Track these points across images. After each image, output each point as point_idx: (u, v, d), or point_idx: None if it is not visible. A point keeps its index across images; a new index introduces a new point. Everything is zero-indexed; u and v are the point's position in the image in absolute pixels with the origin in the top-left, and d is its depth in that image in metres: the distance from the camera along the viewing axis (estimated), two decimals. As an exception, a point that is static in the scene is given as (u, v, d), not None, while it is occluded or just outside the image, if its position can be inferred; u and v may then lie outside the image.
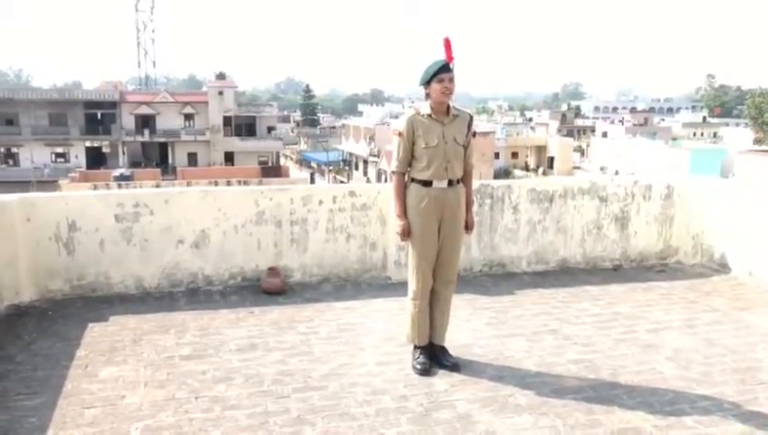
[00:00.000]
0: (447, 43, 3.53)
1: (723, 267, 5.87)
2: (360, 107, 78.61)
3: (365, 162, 53.48)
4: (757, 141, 46.78)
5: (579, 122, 75.41)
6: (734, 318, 4.63)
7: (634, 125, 63.21)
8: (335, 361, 3.78)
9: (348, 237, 5.44)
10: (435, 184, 3.53)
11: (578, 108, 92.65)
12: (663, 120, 74.18)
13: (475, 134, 3.69)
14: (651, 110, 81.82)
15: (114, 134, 45.83)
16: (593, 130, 64.92)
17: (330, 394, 3.36)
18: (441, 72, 3.45)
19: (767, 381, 3.57)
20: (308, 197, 5.36)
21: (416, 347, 3.71)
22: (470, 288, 5.20)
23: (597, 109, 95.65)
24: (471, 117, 3.67)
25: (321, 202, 5.36)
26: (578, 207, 5.99)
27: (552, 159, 51.05)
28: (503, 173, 46.87)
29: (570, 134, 62.71)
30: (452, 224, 3.63)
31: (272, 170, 39.18)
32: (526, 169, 52.29)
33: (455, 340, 4.08)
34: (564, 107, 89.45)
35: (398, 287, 5.24)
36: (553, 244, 5.91)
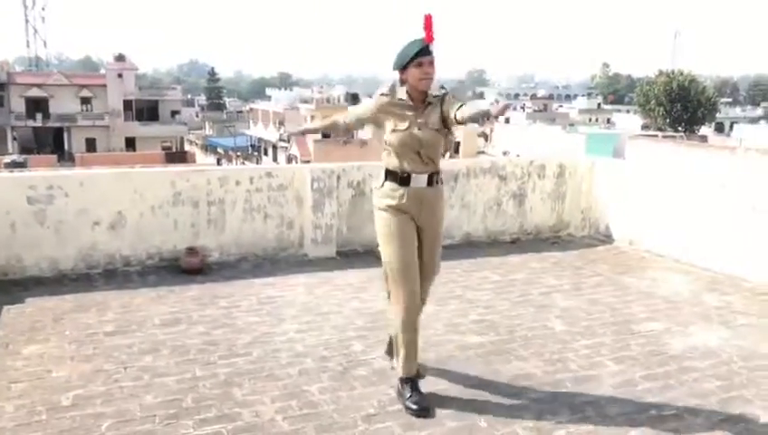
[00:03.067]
0: (428, 22, 3.01)
1: (607, 238, 6.54)
2: (268, 91, 77.37)
3: (274, 148, 52.89)
4: (645, 127, 50.28)
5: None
6: (614, 281, 5.24)
7: (534, 111, 66.02)
8: (258, 330, 4.01)
9: (265, 217, 5.63)
10: (413, 180, 3.05)
11: (482, 94, 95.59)
12: (561, 106, 77.93)
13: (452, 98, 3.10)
14: (550, 96, 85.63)
15: (1, 118, 42.80)
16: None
17: (254, 359, 3.59)
18: (420, 55, 2.97)
19: (638, 332, 4.13)
20: (225, 178, 5.49)
21: (404, 381, 3.13)
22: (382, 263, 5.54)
23: (500, 95, 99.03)
24: (446, 93, 3.13)
25: (237, 183, 5.51)
26: (480, 186, 6.46)
27: (458, 144, 52.54)
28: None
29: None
30: (431, 226, 3.17)
31: (176, 156, 37.98)
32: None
33: (371, 308, 4.42)
34: (470, 93, 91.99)
35: (316, 263, 5.52)
36: (458, 219, 6.36)
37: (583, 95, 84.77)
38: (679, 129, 46.16)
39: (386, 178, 3.11)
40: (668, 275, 5.42)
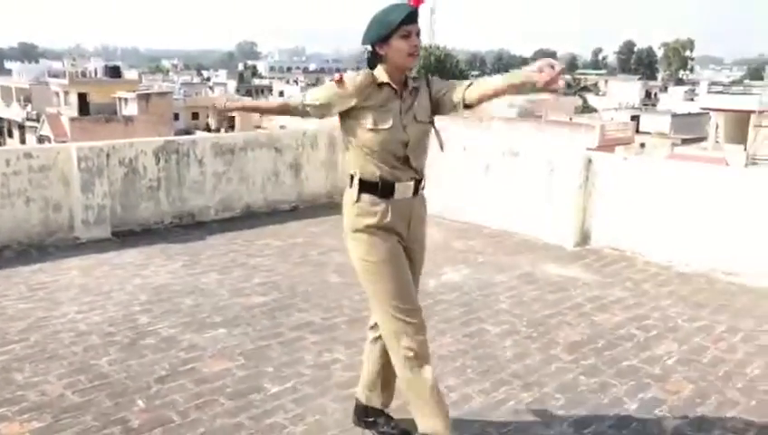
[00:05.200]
0: None
1: (375, 200, 7.24)
2: (8, 64, 67.81)
3: (21, 127, 46.80)
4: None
5: (256, 82, 77.09)
6: (381, 237, 5.90)
7: (307, 84, 67.23)
8: (33, 316, 3.86)
9: (27, 201, 5.26)
10: (397, 191, 2.41)
11: (254, 67, 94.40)
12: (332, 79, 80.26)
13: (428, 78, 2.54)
14: (322, 70, 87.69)
15: None
16: (270, 90, 67.14)
17: (33, 343, 3.49)
18: (407, 23, 2.31)
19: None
20: (-27, 161, 5.02)
21: (372, 411, 2.73)
22: (162, 239, 5.56)
23: (272, 69, 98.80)
24: (428, 77, 2.54)
25: (-10, 166, 5.07)
26: (257, 158, 6.70)
27: (232, 118, 51.55)
28: (184, 135, 45.79)
29: (248, 94, 63.82)
30: (418, 242, 2.58)
31: None
32: (208, 129, 51.86)
33: (154, 282, 4.48)
34: (241, 66, 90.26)
35: (90, 245, 5.34)
36: (238, 192, 6.54)
37: (353, 69, 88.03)
38: (438, 99, 50.56)
39: (360, 190, 2.41)
40: (428, 228, 6.23)
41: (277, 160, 6.86)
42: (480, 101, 2.41)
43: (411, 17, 2.33)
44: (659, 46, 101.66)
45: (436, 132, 2.52)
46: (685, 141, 30.72)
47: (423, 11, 2.42)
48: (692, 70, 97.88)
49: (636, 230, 5.33)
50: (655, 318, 4.07)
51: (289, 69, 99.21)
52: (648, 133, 32.97)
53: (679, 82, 77.05)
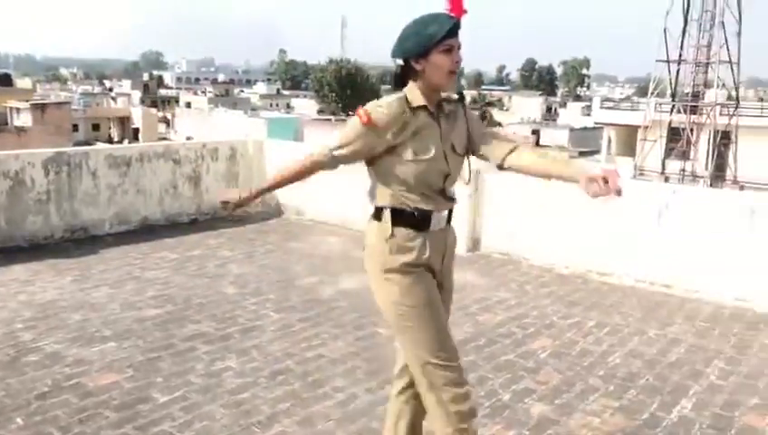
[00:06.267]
0: None
1: (278, 212, 7.29)
2: None
3: None
4: (320, 111, 54.32)
5: (162, 93, 74.77)
6: (282, 247, 5.97)
7: (216, 96, 66.01)
8: None
9: None
10: (433, 221, 2.17)
11: (160, 78, 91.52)
12: (243, 91, 79.21)
13: (485, 114, 2.54)
14: (231, 81, 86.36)
15: None
16: (177, 101, 65.37)
17: None
18: (449, 37, 2.06)
19: (298, 286, 4.88)
20: None
21: None
22: (52, 254, 5.38)
23: (180, 79, 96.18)
24: (462, 97, 2.26)
25: None
26: (154, 170, 6.60)
27: (136, 130, 49.78)
28: (84, 146, 43.69)
29: (154, 105, 61.82)
30: (449, 283, 2.35)
31: None
32: (110, 141, 49.78)
33: (41, 299, 4.34)
34: (146, 76, 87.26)
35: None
36: (134, 205, 6.41)
37: (263, 81, 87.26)
38: (350, 112, 51.02)
39: (394, 224, 2.15)
40: (327, 238, 6.36)
41: (176, 172, 6.78)
42: (516, 171, 2.23)
43: (454, 30, 2.07)
44: (559, 64, 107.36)
45: (469, 164, 2.27)
46: (582, 154, 32.65)
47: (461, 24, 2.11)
48: (589, 87, 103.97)
49: (521, 236, 5.69)
50: (533, 316, 4.38)
51: (197, 80, 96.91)
52: (549, 146, 34.74)
53: (577, 98, 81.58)
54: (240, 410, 3.04)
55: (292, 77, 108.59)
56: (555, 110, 65.11)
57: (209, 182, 7.07)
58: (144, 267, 5.16)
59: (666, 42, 25.63)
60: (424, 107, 2.12)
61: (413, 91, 2.12)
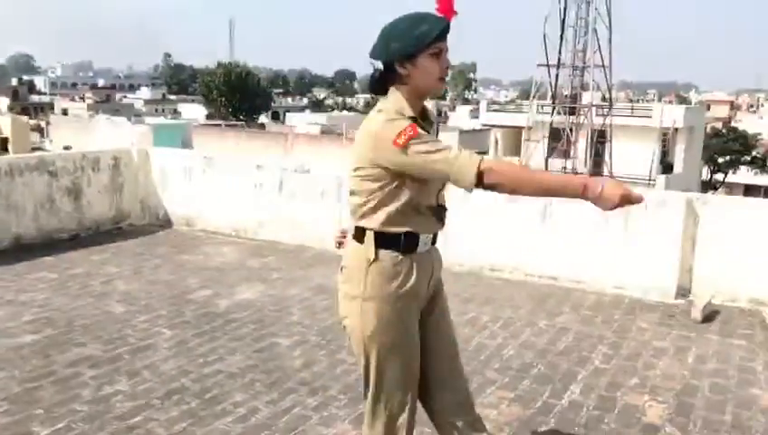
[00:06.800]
0: None
1: (167, 223, 6.99)
2: None
3: None
4: (209, 116, 52.72)
5: (35, 99, 69.62)
6: (172, 260, 5.72)
7: (96, 102, 62.41)
8: None
9: None
10: (421, 243, 2.01)
11: (31, 83, 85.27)
12: (126, 96, 75.44)
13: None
14: (113, 87, 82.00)
15: None
16: (52, 108, 61.11)
17: None
18: (440, 39, 1.92)
19: (191, 300, 4.69)
20: None
21: None
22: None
23: (54, 84, 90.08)
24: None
25: None
26: (27, 184, 6.12)
27: (5, 139, 46.02)
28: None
29: (25, 112, 57.37)
30: (442, 300, 2.21)
31: None
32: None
33: None
34: (15, 82, 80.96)
35: None
36: (5, 222, 5.91)
37: (147, 85, 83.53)
38: (241, 117, 49.96)
39: (378, 246, 1.98)
40: (220, 248, 6.18)
41: (52, 185, 6.33)
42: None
43: (445, 32, 1.92)
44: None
45: None
46: (471, 154, 33.72)
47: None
48: (476, 90, 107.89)
49: (417, 237, 5.79)
50: (432, 316, 4.47)
51: (74, 85, 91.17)
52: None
53: (465, 101, 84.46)
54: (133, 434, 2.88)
55: (179, 81, 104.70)
56: (445, 113, 67.16)
57: (91, 195, 6.66)
58: (19, 290, 4.77)
59: (545, 47, 27.15)
60: (414, 118, 1.93)
61: (399, 100, 1.94)
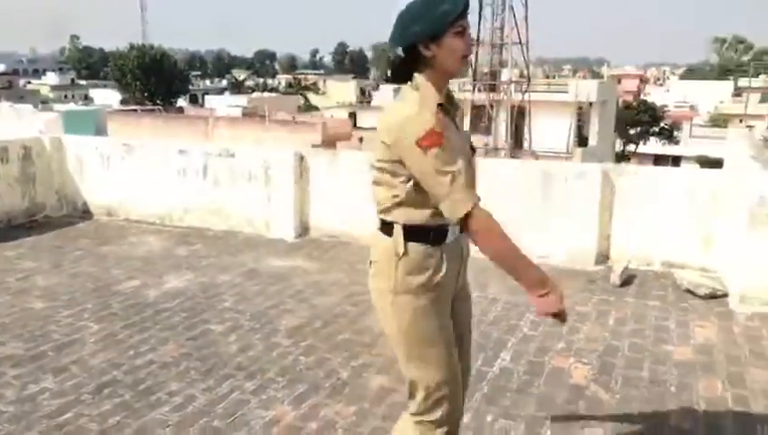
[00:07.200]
0: None
1: (86, 214, 6.70)
2: None
3: None
4: (124, 101, 50.47)
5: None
6: (95, 252, 5.50)
7: (-3, 89, 58.46)
8: None
9: None
10: (450, 234, 1.95)
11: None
12: (30, 82, 71.06)
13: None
14: (15, 72, 76.97)
15: None
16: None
17: None
18: (462, 17, 1.85)
19: (118, 291, 4.54)
20: None
21: None
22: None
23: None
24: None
25: None
26: (-73, 178, 5.71)
27: None
28: None
29: None
30: (466, 287, 2.19)
31: None
32: None
33: None
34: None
35: None
36: None
37: (54, 70, 78.90)
38: (158, 101, 48.06)
39: (407, 239, 1.92)
40: (145, 237, 5.99)
41: (-45, 179, 5.93)
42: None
43: (466, 8, 1.86)
44: (369, 48, 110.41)
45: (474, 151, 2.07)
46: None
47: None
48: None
49: (349, 218, 5.82)
50: (366, 294, 4.49)
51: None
52: (366, 128, 35.70)
53: (388, 81, 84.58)
54: (63, 432, 2.78)
55: (89, 65, 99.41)
56: (369, 93, 67.11)
57: (1, 187, 6.28)
58: (-75, 291, 4.48)
59: (464, 25, 27.45)
60: (441, 104, 1.86)
61: (426, 87, 1.86)
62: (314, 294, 4.52)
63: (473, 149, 2.00)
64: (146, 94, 50.47)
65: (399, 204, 1.90)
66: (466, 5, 1.85)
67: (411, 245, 1.90)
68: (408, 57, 1.88)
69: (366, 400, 3.08)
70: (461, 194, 1.80)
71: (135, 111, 36.45)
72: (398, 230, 1.91)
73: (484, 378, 3.31)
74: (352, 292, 4.54)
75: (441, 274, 1.94)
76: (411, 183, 1.87)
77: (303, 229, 6.00)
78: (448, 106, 1.91)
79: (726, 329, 3.94)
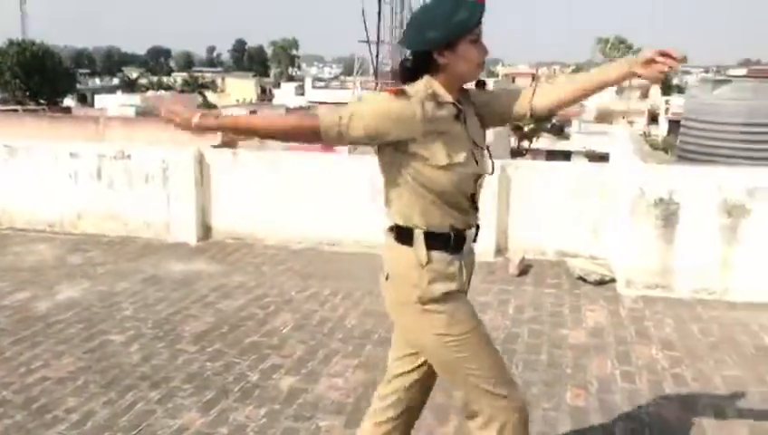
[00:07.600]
0: None
1: (-36, 223, 6.19)
2: None
3: None
4: (4, 102, 46.86)
5: None
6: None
7: None
8: None
9: None
10: (467, 241, 1.95)
11: None
12: None
13: (484, 84, 2.03)
14: None
15: None
16: None
17: None
18: (478, 25, 1.83)
19: (4, 305, 4.24)
20: None
21: None
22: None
23: None
24: (484, 83, 2.02)
25: None
26: None
27: None
28: None
29: None
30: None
31: None
32: None
33: None
34: None
35: None
36: None
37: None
38: (41, 101, 44.98)
39: (429, 247, 1.87)
40: (33, 245, 5.62)
41: None
42: (558, 107, 1.97)
43: (482, 17, 1.83)
44: (269, 45, 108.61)
45: (490, 155, 2.01)
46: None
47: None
48: (299, 67, 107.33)
49: (253, 218, 5.73)
50: (273, 295, 4.48)
51: None
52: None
53: (290, 78, 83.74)
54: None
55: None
56: (270, 90, 66.09)
57: None
58: None
59: (364, 23, 27.68)
60: (451, 103, 1.86)
61: (434, 87, 1.84)
62: (219, 298, 4.43)
63: (482, 144, 1.97)
64: (28, 94, 47.09)
65: (406, 202, 1.87)
66: (482, 14, 1.83)
67: (434, 253, 1.87)
68: (420, 61, 1.86)
69: (276, 401, 3.06)
70: (326, 113, 1.81)
71: (16, 111, 33.93)
72: (419, 238, 1.87)
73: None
74: (259, 294, 4.49)
75: (462, 280, 1.93)
76: (401, 173, 1.86)
77: (206, 232, 5.85)
78: (460, 105, 1.89)
79: (614, 312, 4.24)
